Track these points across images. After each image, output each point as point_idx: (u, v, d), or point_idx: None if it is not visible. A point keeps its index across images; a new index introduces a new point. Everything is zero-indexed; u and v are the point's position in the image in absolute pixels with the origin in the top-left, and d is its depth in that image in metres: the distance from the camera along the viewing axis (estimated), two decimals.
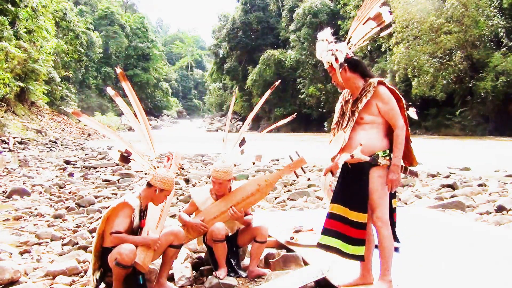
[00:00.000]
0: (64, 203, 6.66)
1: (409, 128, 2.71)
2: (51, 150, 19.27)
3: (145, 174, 3.07)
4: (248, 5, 52.81)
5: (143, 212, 2.95)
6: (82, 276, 3.36)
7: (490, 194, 6.81)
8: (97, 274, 2.87)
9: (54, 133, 27.15)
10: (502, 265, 3.17)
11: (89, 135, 31.12)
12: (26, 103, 29.53)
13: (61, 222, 5.40)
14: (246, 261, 3.52)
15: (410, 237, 3.80)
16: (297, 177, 3.57)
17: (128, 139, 3.00)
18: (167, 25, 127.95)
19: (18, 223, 5.47)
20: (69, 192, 7.66)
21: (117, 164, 10.88)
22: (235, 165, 3.49)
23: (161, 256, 3.04)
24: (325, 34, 2.69)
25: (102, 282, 2.90)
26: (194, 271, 3.30)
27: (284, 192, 7.47)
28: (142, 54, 63.55)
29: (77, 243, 4.31)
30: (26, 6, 22.29)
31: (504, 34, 26.55)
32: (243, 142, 3.54)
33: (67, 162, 12.64)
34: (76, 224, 5.28)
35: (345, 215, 2.70)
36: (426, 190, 7.29)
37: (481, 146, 19.23)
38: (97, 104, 51.15)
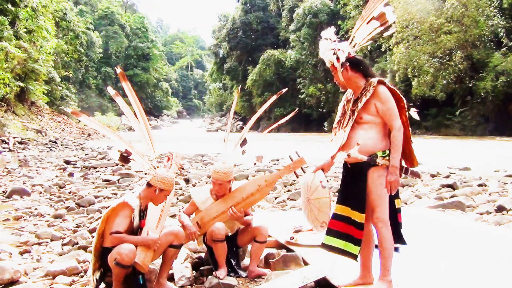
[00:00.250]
0: (64, 203, 6.66)
1: (409, 129, 2.71)
2: (51, 150, 19.27)
3: (145, 174, 3.07)
4: (248, 5, 52.82)
5: (143, 212, 2.95)
6: (82, 276, 3.36)
7: (490, 194, 6.81)
8: (97, 274, 2.87)
9: (54, 133, 27.14)
10: (502, 265, 3.17)
11: (89, 135, 31.12)
12: (26, 103, 29.53)
13: (61, 222, 5.40)
14: (246, 261, 3.52)
15: (410, 237, 3.79)
16: (297, 177, 3.56)
17: (128, 139, 3.00)
18: (167, 25, 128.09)
19: (18, 223, 5.47)
20: (69, 192, 7.66)
21: (117, 164, 10.88)
22: (235, 165, 3.49)
23: (161, 256, 3.04)
24: (329, 33, 2.70)
25: (102, 282, 2.90)
26: (194, 271, 3.30)
27: (284, 192, 7.47)
28: (142, 54, 63.55)
29: (77, 243, 4.31)
30: (26, 6, 22.29)
31: (504, 34, 26.55)
32: (244, 142, 3.55)
33: (67, 162, 12.64)
34: (76, 224, 5.28)
35: (348, 215, 2.70)
36: (426, 190, 7.29)
37: (481, 146, 19.23)
38: (97, 104, 51.15)
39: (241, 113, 52.04)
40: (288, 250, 3.60)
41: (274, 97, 3.75)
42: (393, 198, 2.73)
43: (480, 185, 7.67)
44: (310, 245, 3.62)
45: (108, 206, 2.96)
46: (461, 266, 3.16)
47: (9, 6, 21.04)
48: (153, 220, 3.01)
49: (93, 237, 4.04)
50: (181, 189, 7.61)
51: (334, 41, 2.69)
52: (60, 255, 3.98)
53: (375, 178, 2.63)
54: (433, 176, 9.24)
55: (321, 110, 41.01)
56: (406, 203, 6.37)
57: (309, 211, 2.91)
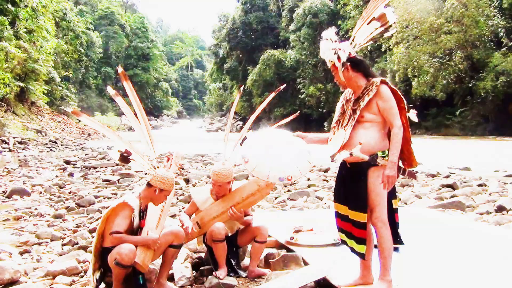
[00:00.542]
0: (64, 203, 6.66)
1: (409, 130, 2.71)
2: (51, 150, 19.27)
3: (145, 174, 3.07)
4: (248, 5, 52.82)
5: (143, 212, 2.95)
6: (82, 276, 3.35)
7: (490, 194, 6.81)
8: (97, 274, 2.87)
9: (54, 133, 27.14)
10: (502, 265, 3.17)
11: (89, 135, 31.13)
12: (26, 103, 29.53)
13: (61, 222, 5.40)
14: (246, 261, 3.52)
15: (410, 237, 3.80)
16: None
17: (128, 139, 3.00)
18: (167, 25, 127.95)
19: (18, 223, 5.47)
20: (69, 192, 7.66)
21: (117, 164, 10.88)
22: (235, 165, 3.48)
23: (161, 256, 3.04)
24: (329, 33, 2.70)
25: (102, 282, 2.90)
26: (194, 271, 3.30)
27: (284, 192, 7.47)
28: (142, 54, 63.57)
29: (77, 243, 4.31)
30: (26, 6, 22.28)
31: (504, 34, 26.55)
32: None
33: (67, 162, 12.64)
34: (76, 224, 5.28)
35: (346, 213, 2.73)
36: (426, 190, 7.29)
37: (481, 146, 19.24)
38: (97, 104, 51.17)
39: (241, 113, 52.04)
40: (288, 250, 3.60)
41: (273, 95, 3.76)
42: (390, 198, 2.74)
43: (480, 185, 7.67)
44: (310, 245, 3.62)
45: (108, 206, 2.96)
46: (461, 266, 3.16)
47: (9, 6, 21.03)
48: (153, 220, 3.01)
49: (93, 237, 4.04)
50: (181, 189, 7.61)
51: (335, 41, 2.69)
52: (60, 255, 3.98)
53: (374, 178, 2.63)
54: (433, 176, 9.24)
55: (321, 110, 41.02)
56: (406, 203, 6.38)
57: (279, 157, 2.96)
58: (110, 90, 2.96)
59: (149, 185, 2.90)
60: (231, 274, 3.23)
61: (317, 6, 41.66)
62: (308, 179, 8.53)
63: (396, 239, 2.77)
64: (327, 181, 8.64)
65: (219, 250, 3.20)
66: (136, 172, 9.28)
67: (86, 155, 15.89)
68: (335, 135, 2.79)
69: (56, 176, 9.97)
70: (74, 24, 38.14)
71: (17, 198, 7.09)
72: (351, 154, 2.61)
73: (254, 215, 3.71)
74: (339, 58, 2.66)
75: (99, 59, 53.25)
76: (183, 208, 5.66)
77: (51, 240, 4.53)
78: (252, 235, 3.34)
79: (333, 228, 3.01)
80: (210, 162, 12.37)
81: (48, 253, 4.13)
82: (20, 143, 19.01)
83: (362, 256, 2.71)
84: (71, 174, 10.19)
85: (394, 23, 2.64)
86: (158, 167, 2.94)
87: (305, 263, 3.32)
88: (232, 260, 3.33)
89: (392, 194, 2.75)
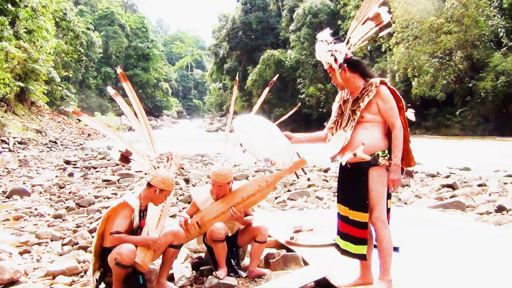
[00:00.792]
0: (64, 203, 6.66)
1: (408, 129, 2.72)
2: (51, 150, 19.28)
3: (145, 174, 3.07)
4: (248, 5, 52.83)
5: (143, 212, 2.95)
6: (82, 276, 3.35)
7: (490, 194, 6.81)
8: (97, 274, 2.87)
9: (54, 133, 27.14)
10: (502, 265, 3.17)
11: (89, 135, 31.13)
12: (26, 103, 29.53)
13: (61, 222, 5.40)
14: (246, 261, 3.52)
15: (410, 237, 3.81)
16: (298, 177, 3.57)
17: (128, 139, 3.00)
18: (167, 25, 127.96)
19: (18, 223, 5.47)
20: (69, 192, 7.66)
21: (117, 164, 10.88)
22: (235, 166, 3.49)
23: (161, 256, 3.04)
24: (325, 35, 2.71)
25: (102, 282, 2.90)
26: (194, 271, 3.30)
27: (284, 192, 7.48)
28: (142, 54, 63.54)
29: (77, 243, 4.31)
30: (26, 6, 22.26)
31: (504, 34, 26.55)
32: None
33: (67, 162, 12.64)
34: (76, 224, 5.28)
35: (346, 214, 2.73)
36: (426, 190, 7.29)
37: (481, 146, 19.24)
38: (97, 104, 51.15)
39: (241, 113, 52.04)
40: (288, 250, 3.60)
41: (267, 89, 3.78)
42: (386, 198, 2.74)
43: (480, 185, 7.67)
44: (310, 245, 3.62)
45: (108, 206, 2.96)
46: (461, 266, 3.16)
47: (9, 6, 21.01)
48: (153, 220, 3.01)
49: (93, 237, 4.05)
50: (181, 189, 7.61)
51: (331, 42, 2.70)
52: (60, 255, 3.98)
53: (375, 178, 2.64)
54: (433, 176, 9.24)
55: (321, 110, 41.00)
56: (406, 203, 6.38)
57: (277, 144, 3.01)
58: (110, 90, 2.96)
59: (149, 185, 2.90)
60: (231, 274, 3.23)
61: (317, 6, 41.65)
62: (308, 179, 8.53)
63: None
64: (327, 181, 8.65)
65: (219, 250, 3.20)
66: (136, 172, 9.28)
67: (86, 155, 15.90)
68: (333, 136, 2.78)
69: (56, 176, 9.97)
70: (74, 24, 38.10)
71: (17, 198, 7.09)
72: (354, 155, 2.62)
73: (254, 215, 3.70)
74: (335, 59, 2.67)
75: (99, 59, 53.23)
76: (183, 208, 5.67)
77: (51, 240, 4.53)
78: (252, 235, 3.34)
79: (333, 228, 3.02)
80: (210, 162, 12.37)
81: (48, 253, 4.13)
82: (20, 143, 19.01)
83: (361, 257, 2.70)
84: (71, 174, 10.19)
85: (389, 22, 2.64)
86: (158, 167, 2.94)
87: (305, 263, 3.32)
88: (232, 260, 3.33)
89: (388, 195, 2.76)
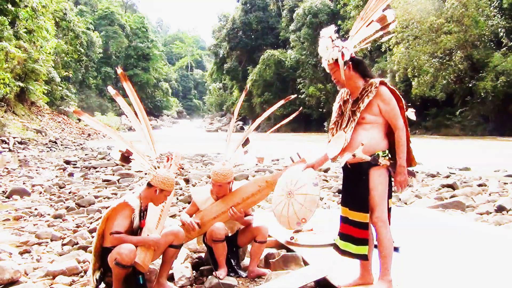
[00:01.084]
0: (64, 203, 6.66)
1: (408, 129, 2.72)
2: (51, 150, 19.28)
3: (145, 174, 3.07)
4: (248, 5, 52.86)
5: (143, 212, 2.95)
6: (82, 276, 3.35)
7: (490, 194, 6.80)
8: (97, 274, 2.87)
9: (54, 133, 27.14)
10: (502, 265, 3.17)
11: (89, 135, 31.13)
12: (26, 103, 29.53)
13: (61, 222, 5.40)
14: (246, 261, 3.52)
15: (410, 237, 3.80)
16: None
17: (129, 139, 3.00)
18: (167, 25, 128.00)
19: (18, 223, 5.46)
20: (69, 192, 7.66)
21: (117, 164, 10.88)
22: (235, 166, 3.49)
23: (161, 256, 3.04)
24: (330, 31, 2.69)
25: (102, 282, 2.90)
26: (194, 271, 3.30)
27: None
28: (142, 54, 63.57)
29: (77, 243, 4.31)
30: (26, 6, 22.26)
31: (504, 34, 26.55)
32: (246, 142, 3.55)
33: (67, 162, 12.64)
34: (76, 224, 5.28)
35: (346, 215, 2.73)
36: (426, 190, 7.29)
37: (481, 146, 19.24)
38: (97, 104, 51.19)
39: (241, 113, 52.06)
40: (288, 250, 3.60)
41: (282, 102, 3.79)
42: (387, 198, 2.74)
43: (480, 185, 7.66)
44: (310, 245, 3.62)
45: (108, 206, 2.96)
46: (461, 266, 3.16)
47: (9, 6, 21.02)
48: (153, 221, 3.01)
49: (93, 237, 4.05)
50: (181, 189, 7.61)
51: (337, 38, 2.68)
52: (60, 255, 3.98)
53: (376, 178, 2.64)
54: (433, 176, 9.24)
55: (321, 110, 41.03)
56: (406, 203, 6.37)
57: (288, 205, 2.95)
58: (111, 90, 2.96)
59: (149, 185, 2.90)
60: (231, 274, 3.23)
61: (317, 6, 41.67)
62: None
63: None
64: (327, 181, 8.65)
65: (219, 250, 3.20)
66: (136, 172, 9.28)
67: (86, 155, 15.90)
68: (334, 137, 2.78)
69: (56, 176, 9.97)
70: (74, 24, 38.11)
71: (17, 198, 7.09)
72: (354, 156, 2.61)
73: (254, 215, 3.71)
74: (343, 55, 2.65)
75: (99, 59, 53.25)
76: (183, 208, 5.66)
77: (51, 240, 4.53)
78: (252, 235, 3.34)
79: (333, 228, 3.02)
80: (210, 162, 12.38)
81: (48, 253, 4.13)
82: (20, 143, 19.01)
83: (362, 257, 2.70)
84: (71, 174, 10.19)
85: (395, 27, 2.64)
86: (158, 167, 2.94)
87: (305, 263, 3.32)
88: (232, 260, 3.33)
89: (388, 195, 2.75)
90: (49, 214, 5.87)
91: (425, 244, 3.72)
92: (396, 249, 2.77)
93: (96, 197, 6.87)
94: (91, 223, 5.26)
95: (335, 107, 2.87)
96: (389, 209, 2.78)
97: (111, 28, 59.19)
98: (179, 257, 3.31)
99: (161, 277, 2.99)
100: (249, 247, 3.49)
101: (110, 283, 2.81)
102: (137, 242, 2.80)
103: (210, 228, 3.22)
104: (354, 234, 2.69)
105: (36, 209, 6.19)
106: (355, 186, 2.69)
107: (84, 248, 4.07)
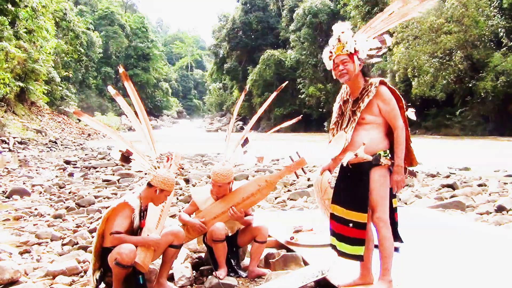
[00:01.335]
0: (64, 203, 6.66)
1: (408, 129, 2.72)
2: (51, 150, 19.28)
3: (146, 174, 3.07)
4: (248, 5, 52.86)
5: (143, 213, 2.95)
6: (82, 276, 3.36)
7: (490, 194, 6.80)
8: (97, 274, 2.87)
9: (54, 133, 27.15)
10: (502, 265, 3.17)
11: (89, 135, 31.14)
12: (26, 103, 29.53)
13: (61, 222, 5.40)
14: (246, 261, 3.52)
15: (410, 237, 3.80)
16: (297, 177, 3.57)
17: (129, 139, 3.00)
18: (167, 25, 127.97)
19: (18, 223, 5.46)
20: (69, 192, 7.66)
21: (117, 164, 10.88)
22: (235, 166, 3.49)
23: (161, 256, 3.04)
24: (345, 25, 2.70)
25: (102, 282, 2.90)
26: (194, 271, 3.30)
27: (284, 192, 7.48)
28: (142, 54, 63.58)
29: (77, 243, 4.31)
30: (26, 6, 22.27)
31: (504, 34, 26.54)
32: (246, 142, 3.55)
33: (67, 162, 12.64)
34: (76, 224, 5.28)
35: (343, 215, 2.70)
36: (426, 190, 7.28)
37: (481, 146, 19.23)
38: (97, 104, 51.20)
39: (241, 113, 52.01)
40: (288, 250, 3.60)
41: (274, 94, 3.77)
42: (391, 197, 2.74)
43: (480, 185, 7.66)
44: (310, 245, 3.62)
45: (108, 206, 2.96)
46: (461, 266, 3.16)
47: (9, 6, 21.02)
48: (153, 220, 3.01)
49: (93, 237, 4.05)
50: (181, 189, 7.62)
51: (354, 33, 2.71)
52: (60, 255, 3.98)
53: (377, 178, 2.63)
54: (433, 176, 9.24)
55: (321, 110, 41.02)
56: (406, 203, 6.37)
57: (326, 210, 3.05)
58: (111, 90, 2.96)
59: (149, 185, 2.90)
60: (231, 274, 3.23)
61: (317, 6, 41.65)
62: (308, 179, 8.52)
63: (396, 237, 2.78)
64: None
65: (219, 250, 3.20)
66: (136, 172, 9.28)
67: (86, 155, 15.90)
68: (334, 137, 2.78)
69: (56, 176, 9.97)
70: (74, 24, 38.13)
71: (17, 198, 7.09)
72: (356, 155, 2.61)
73: (254, 215, 3.71)
74: (362, 49, 2.68)
75: (99, 59, 53.25)
76: (182, 208, 5.66)
77: (51, 240, 4.53)
78: (252, 235, 3.34)
79: None
80: (210, 162, 12.38)
81: (48, 253, 4.13)
82: (20, 143, 19.01)
83: (358, 258, 2.68)
84: (71, 174, 10.19)
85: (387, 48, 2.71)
86: (158, 167, 2.94)
87: (305, 263, 3.32)
88: (232, 260, 3.33)
89: (392, 194, 2.75)
90: (49, 214, 5.87)
91: (425, 244, 3.72)
92: (396, 249, 2.77)
93: (96, 197, 6.87)
94: (91, 223, 5.26)
95: (336, 107, 2.88)
96: (394, 209, 2.78)
97: (111, 28, 59.19)
98: (179, 257, 3.31)
99: (161, 277, 2.99)
100: (249, 247, 3.49)
101: (110, 283, 2.81)
102: (137, 242, 2.80)
103: (210, 228, 3.22)
104: (350, 234, 2.67)
105: (36, 209, 6.19)
106: (355, 186, 2.68)
107: (84, 248, 4.07)
